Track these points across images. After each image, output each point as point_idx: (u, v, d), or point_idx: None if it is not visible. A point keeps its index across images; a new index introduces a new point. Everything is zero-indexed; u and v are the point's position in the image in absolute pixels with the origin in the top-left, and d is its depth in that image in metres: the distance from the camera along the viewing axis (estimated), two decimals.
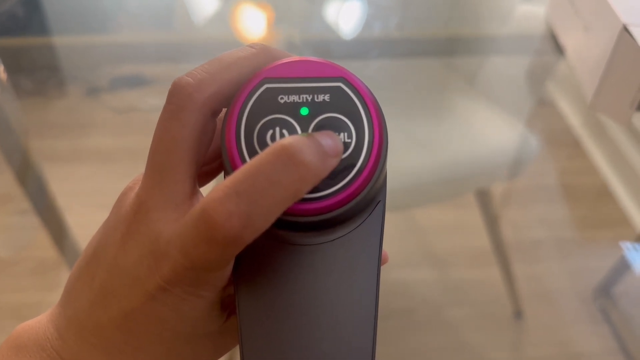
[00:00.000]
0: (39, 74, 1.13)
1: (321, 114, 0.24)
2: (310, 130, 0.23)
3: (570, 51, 0.64)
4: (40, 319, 0.26)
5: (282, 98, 0.24)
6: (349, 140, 0.23)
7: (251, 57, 0.24)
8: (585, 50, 0.59)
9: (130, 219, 0.24)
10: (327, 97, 0.24)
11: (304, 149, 0.21)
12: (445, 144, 0.87)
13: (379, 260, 0.24)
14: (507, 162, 0.91)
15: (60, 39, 1.00)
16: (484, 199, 1.05)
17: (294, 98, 0.24)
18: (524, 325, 1.03)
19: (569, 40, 0.65)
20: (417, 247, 1.10)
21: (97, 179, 1.20)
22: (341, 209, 0.23)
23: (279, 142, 0.21)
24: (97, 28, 1.03)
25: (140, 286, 0.23)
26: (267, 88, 0.24)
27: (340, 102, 0.24)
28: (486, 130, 0.90)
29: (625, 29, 0.51)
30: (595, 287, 1.06)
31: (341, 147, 0.23)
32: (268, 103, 0.23)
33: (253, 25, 0.97)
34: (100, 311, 0.24)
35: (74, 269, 0.26)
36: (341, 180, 0.23)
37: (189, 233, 0.21)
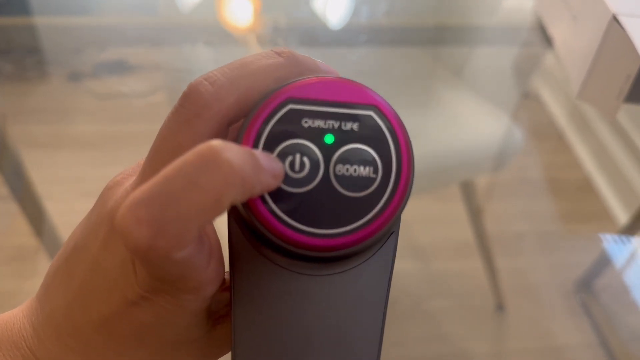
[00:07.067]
0: (19, 57, 1.11)
1: (347, 144, 0.22)
2: (333, 161, 0.22)
3: (558, 41, 0.64)
4: (15, 313, 0.25)
5: (306, 122, 0.22)
6: (374, 176, 0.22)
7: (278, 67, 0.22)
8: (573, 40, 0.59)
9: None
10: (355, 127, 0.22)
11: (231, 150, 0.18)
12: (429, 134, 0.87)
13: (387, 293, 0.23)
14: (491, 155, 0.91)
15: (42, 19, 0.98)
16: (467, 191, 1.05)
17: (319, 123, 0.22)
18: (505, 317, 1.04)
19: (557, 30, 0.64)
20: (400, 238, 1.09)
21: (78, 166, 1.18)
22: (356, 246, 0.22)
23: (206, 142, 0.19)
24: (81, 9, 1.02)
25: (120, 291, 0.22)
26: (290, 109, 0.22)
27: (369, 133, 0.22)
28: (471, 122, 0.90)
29: (615, 18, 0.51)
30: (577, 280, 1.07)
31: (281, 171, 0.21)
32: (290, 126, 0.21)
33: (240, 12, 0.96)
34: (79, 313, 0.23)
35: (53, 261, 0.25)
36: (360, 218, 0.22)
37: None
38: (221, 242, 0.23)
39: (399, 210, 0.22)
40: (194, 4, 0.99)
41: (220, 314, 0.25)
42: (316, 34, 0.91)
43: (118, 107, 1.23)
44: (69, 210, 0.98)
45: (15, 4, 0.99)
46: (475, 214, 1.06)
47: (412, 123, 0.88)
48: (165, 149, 0.21)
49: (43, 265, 0.99)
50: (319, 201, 0.22)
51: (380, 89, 0.23)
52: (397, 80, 0.93)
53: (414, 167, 0.23)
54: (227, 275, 0.24)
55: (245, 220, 0.22)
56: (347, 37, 0.91)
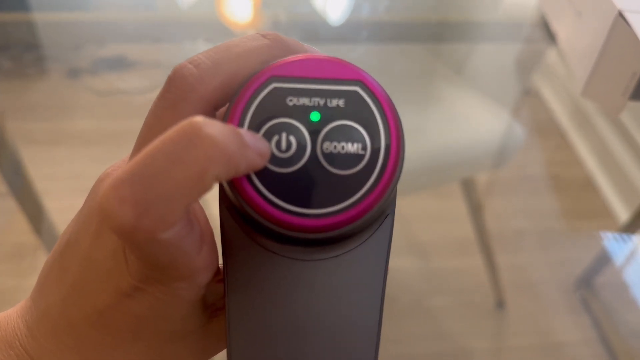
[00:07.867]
0: (18, 53, 1.10)
1: (333, 121, 0.21)
2: (320, 139, 0.21)
3: (562, 38, 0.63)
4: (9, 313, 0.25)
5: (291, 100, 0.21)
6: (363, 153, 0.21)
7: (263, 49, 0.22)
8: (578, 36, 0.58)
9: None
10: (341, 103, 0.21)
11: (213, 125, 0.18)
12: (430, 131, 0.87)
13: (385, 277, 0.23)
14: (492, 152, 0.90)
15: (40, 15, 0.98)
16: (468, 188, 1.05)
17: (304, 101, 0.21)
18: (505, 314, 1.04)
19: (561, 27, 0.64)
20: (400, 235, 1.10)
21: (77, 162, 1.18)
22: (348, 226, 0.21)
23: (189, 118, 0.18)
24: (80, 5, 1.01)
25: (113, 283, 0.21)
26: (274, 88, 0.21)
27: (355, 109, 0.21)
28: (472, 119, 0.90)
29: (620, 14, 0.51)
30: (577, 277, 1.07)
31: (268, 150, 0.21)
32: (275, 105, 0.21)
33: (239, 8, 0.96)
34: (74, 308, 0.22)
35: (48, 258, 0.24)
36: (351, 197, 0.21)
37: None
38: (215, 233, 0.23)
39: (390, 187, 0.21)
40: (194, 0, 0.99)
41: (216, 306, 0.25)
42: (316, 30, 0.90)
43: (117, 104, 1.22)
44: (68, 207, 0.97)
45: (13, 0, 0.98)
46: (476, 211, 1.06)
47: (413, 120, 0.88)
48: (152, 136, 0.21)
49: (42, 263, 0.98)
50: (308, 180, 0.21)
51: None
52: (398, 76, 0.92)
53: (404, 142, 0.22)
54: (221, 266, 0.24)
55: (235, 205, 0.22)
56: (347, 33, 0.91)
